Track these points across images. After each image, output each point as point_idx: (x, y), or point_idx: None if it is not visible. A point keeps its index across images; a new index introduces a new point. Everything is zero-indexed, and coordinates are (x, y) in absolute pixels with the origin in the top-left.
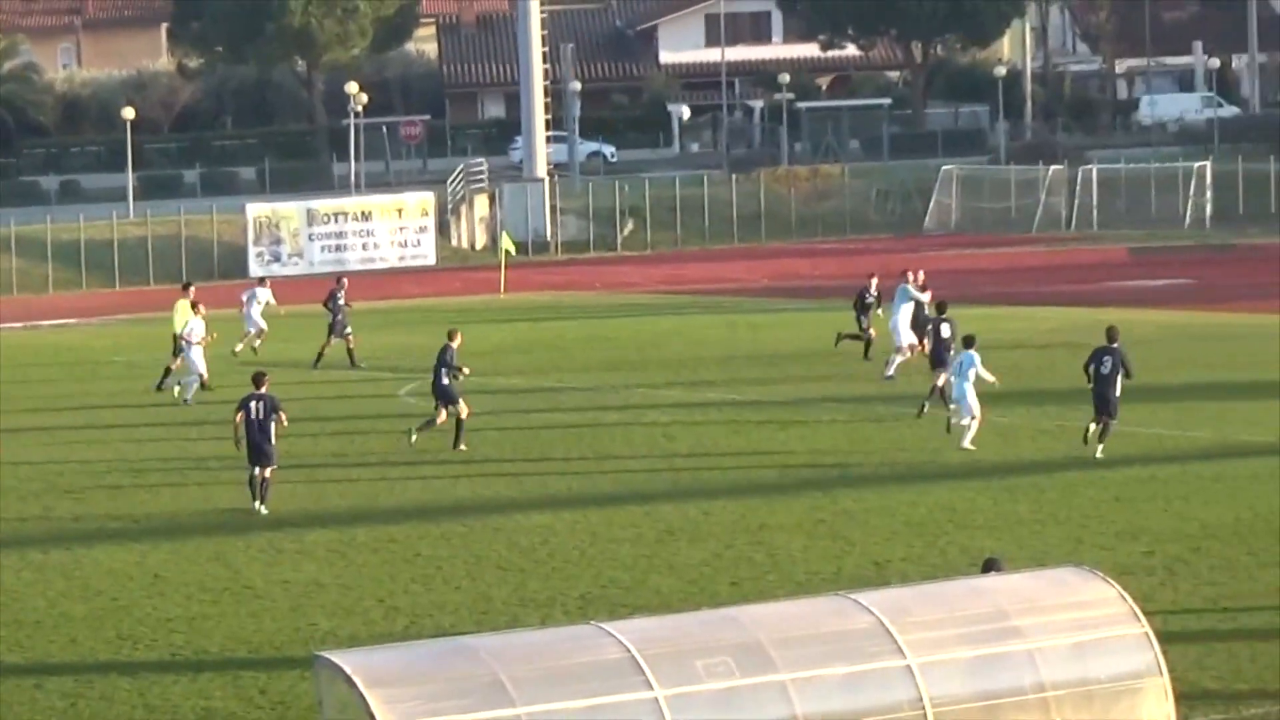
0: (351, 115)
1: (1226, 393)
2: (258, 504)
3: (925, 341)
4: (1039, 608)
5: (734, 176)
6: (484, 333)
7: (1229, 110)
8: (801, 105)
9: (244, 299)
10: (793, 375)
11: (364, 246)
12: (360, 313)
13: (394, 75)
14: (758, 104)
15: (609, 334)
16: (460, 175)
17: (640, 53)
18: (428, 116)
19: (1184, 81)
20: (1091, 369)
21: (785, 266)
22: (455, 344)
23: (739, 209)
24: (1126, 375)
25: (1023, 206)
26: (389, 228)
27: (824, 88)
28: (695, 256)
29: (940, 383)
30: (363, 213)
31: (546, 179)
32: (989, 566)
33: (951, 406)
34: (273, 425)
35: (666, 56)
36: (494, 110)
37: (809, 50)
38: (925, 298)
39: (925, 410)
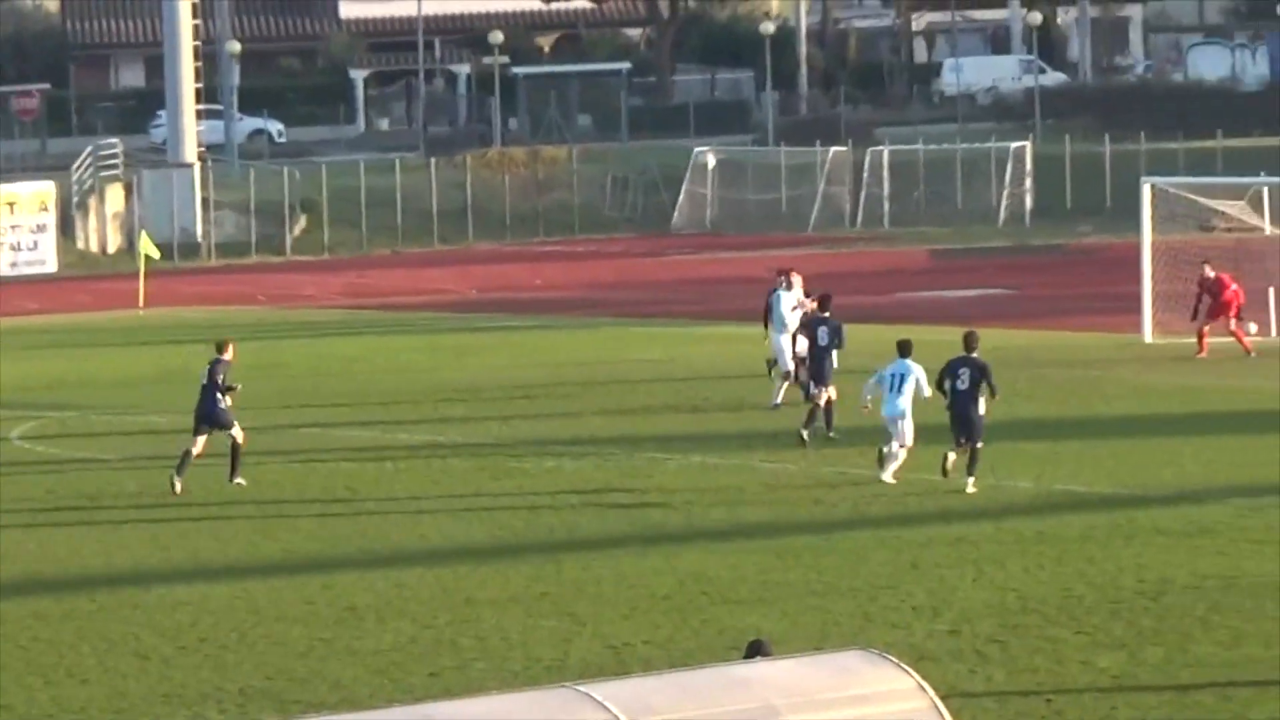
0: None
1: (1053, 432)
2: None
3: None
4: (817, 701)
5: (433, 161)
6: (118, 359)
7: (1054, 77)
8: (518, 71)
9: None
10: (510, 412)
11: None
12: None
13: (2, 34)
14: (463, 69)
15: (276, 359)
16: (88, 160)
17: (315, 6)
18: (46, 85)
19: (997, 41)
20: (947, 385)
21: (499, 274)
22: (227, 356)
23: (440, 202)
24: (991, 391)
25: (796, 198)
26: None
27: (546, 49)
28: (386, 262)
29: (823, 401)
30: None
31: (197, 165)
32: (754, 650)
33: (891, 435)
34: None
35: (347, 10)
36: (131, 78)
37: (528, 3)
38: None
39: (806, 439)
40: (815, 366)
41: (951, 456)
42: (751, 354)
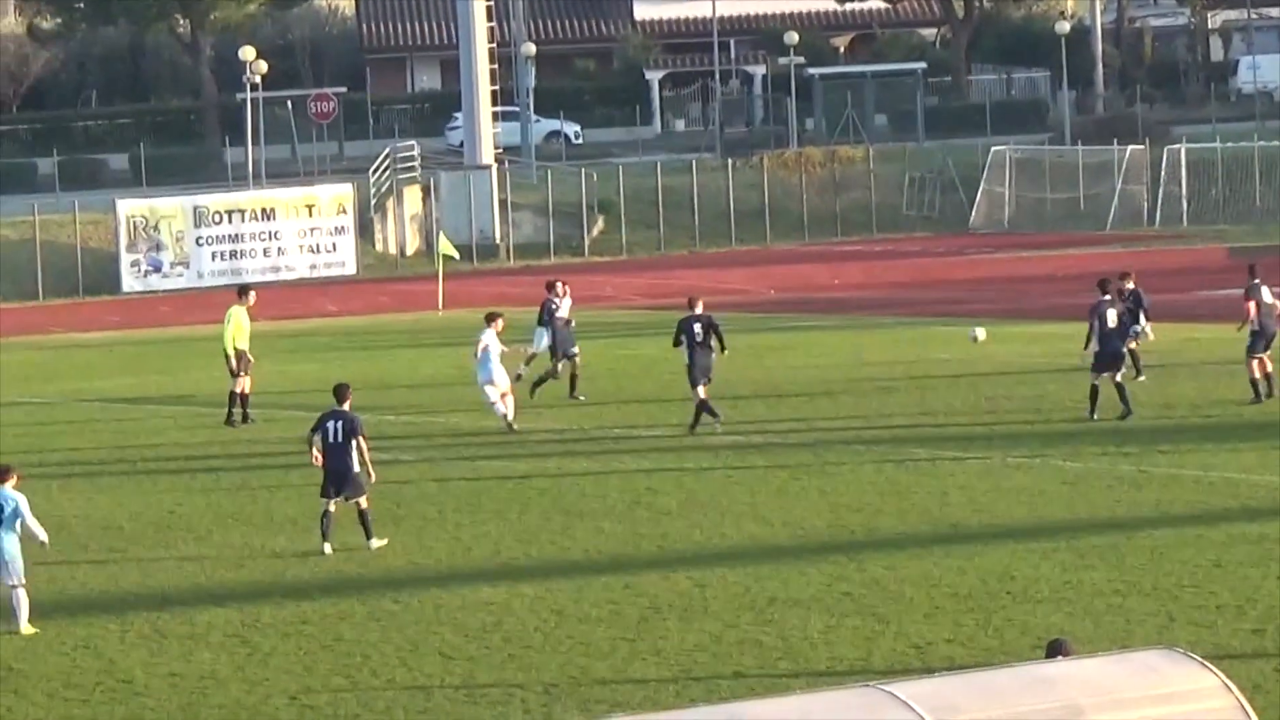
0: (248, 88)
1: None
2: (327, 546)
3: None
4: (1121, 701)
5: (730, 162)
6: (417, 360)
7: None
8: (814, 72)
9: None
10: (810, 412)
11: (266, 253)
12: (261, 335)
13: (300, 38)
14: (759, 70)
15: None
16: (386, 163)
17: (610, 7)
18: (344, 89)
19: None
20: (685, 339)
21: (797, 274)
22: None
23: (737, 203)
24: (721, 346)
25: (1094, 197)
26: (297, 229)
27: (842, 50)
28: (683, 262)
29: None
30: (264, 210)
31: (494, 166)
32: (1055, 650)
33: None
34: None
35: (642, 12)
36: (427, 81)
37: (823, 3)
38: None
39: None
40: (691, 365)
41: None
42: (1052, 352)
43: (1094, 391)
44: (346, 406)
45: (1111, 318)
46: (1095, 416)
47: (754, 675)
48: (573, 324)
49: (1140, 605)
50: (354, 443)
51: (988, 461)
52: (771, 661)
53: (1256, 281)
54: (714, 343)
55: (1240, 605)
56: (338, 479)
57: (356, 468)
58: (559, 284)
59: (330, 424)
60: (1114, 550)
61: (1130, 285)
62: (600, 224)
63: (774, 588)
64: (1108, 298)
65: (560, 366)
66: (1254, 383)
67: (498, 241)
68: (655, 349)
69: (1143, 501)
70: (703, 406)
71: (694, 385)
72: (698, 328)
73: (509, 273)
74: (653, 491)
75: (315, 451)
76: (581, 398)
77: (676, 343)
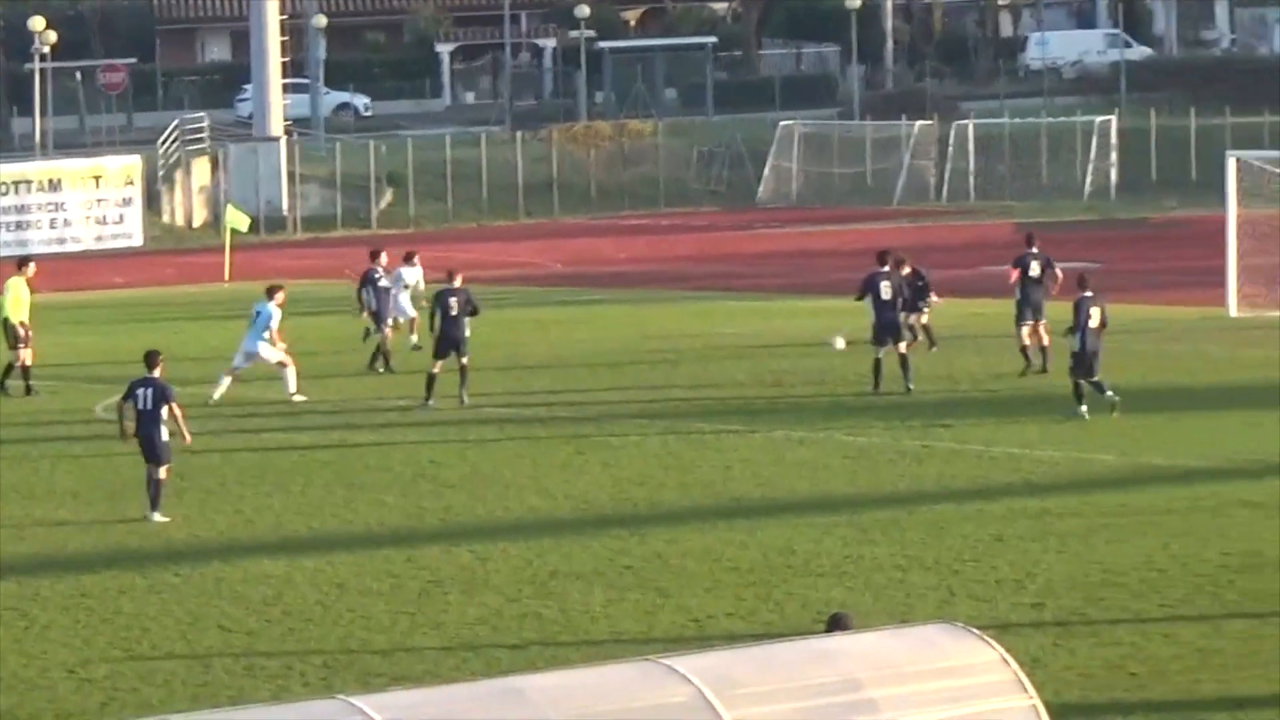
0: (36, 58)
1: (1137, 405)
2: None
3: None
4: (901, 675)
5: (519, 135)
6: (202, 332)
7: (1139, 51)
8: (604, 45)
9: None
10: (594, 385)
11: (52, 224)
12: (46, 307)
13: (90, 8)
14: (549, 44)
15: (358, 333)
16: (174, 134)
17: None
18: (134, 60)
19: (1083, 15)
20: (439, 312)
21: (584, 248)
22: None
23: (526, 176)
24: (473, 312)
25: (881, 172)
26: (84, 200)
27: (632, 23)
28: (471, 235)
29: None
30: (50, 181)
31: (283, 139)
32: (836, 624)
33: None
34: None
35: None
36: (217, 53)
37: None
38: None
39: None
40: (441, 338)
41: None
42: (834, 326)
43: (877, 365)
44: (157, 374)
45: (885, 289)
46: (879, 390)
47: (535, 648)
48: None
49: (921, 579)
50: (163, 410)
51: (771, 435)
52: (552, 634)
53: (1032, 250)
54: (467, 319)
55: (1020, 579)
56: (147, 446)
57: (166, 437)
58: (383, 254)
59: (140, 391)
60: (895, 525)
61: (907, 269)
62: (389, 196)
63: (556, 561)
64: (885, 269)
65: (376, 332)
66: (1023, 350)
67: (285, 213)
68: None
69: (924, 476)
70: (432, 380)
71: (438, 357)
72: (453, 301)
73: (296, 245)
74: (436, 464)
75: (125, 421)
76: (380, 370)
77: (432, 314)
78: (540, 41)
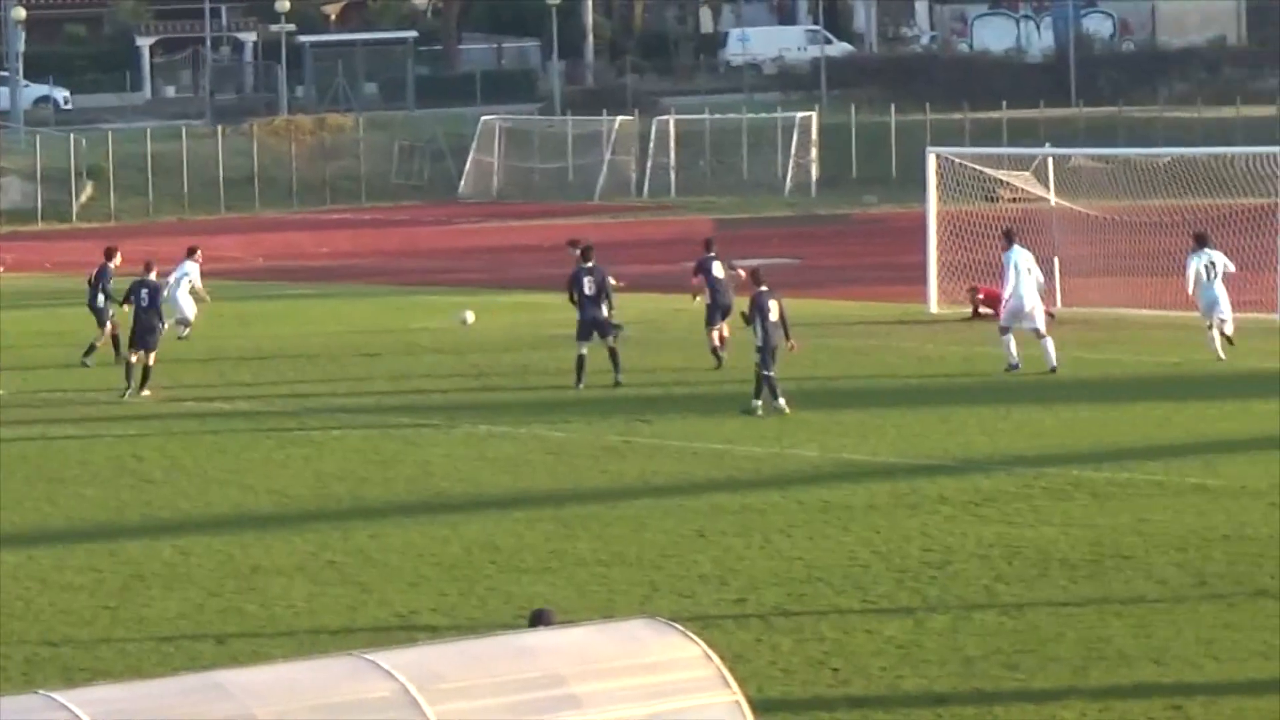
0: None
1: (838, 401)
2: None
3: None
4: (604, 670)
5: (220, 129)
6: None
7: (839, 48)
8: (305, 39)
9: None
10: (296, 380)
11: None
12: None
13: None
14: (249, 37)
15: (62, 327)
16: None
17: None
18: None
19: (784, 12)
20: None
21: (286, 242)
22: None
23: (227, 169)
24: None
25: (583, 167)
26: None
27: (333, 18)
28: (172, 229)
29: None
30: None
31: None
32: (538, 619)
33: None
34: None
35: None
36: None
37: None
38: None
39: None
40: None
41: None
42: (536, 321)
43: (580, 361)
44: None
45: (588, 285)
46: (581, 385)
47: (238, 642)
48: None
49: (624, 575)
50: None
51: (473, 430)
52: (255, 629)
53: (710, 255)
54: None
55: (722, 575)
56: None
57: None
58: (118, 253)
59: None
60: (597, 520)
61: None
62: (89, 190)
63: (258, 555)
64: (589, 265)
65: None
66: (714, 351)
67: None
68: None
69: (626, 471)
70: (130, 369)
71: (134, 348)
72: (144, 292)
73: None
74: (138, 458)
75: None
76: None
77: (125, 300)
78: (241, 35)
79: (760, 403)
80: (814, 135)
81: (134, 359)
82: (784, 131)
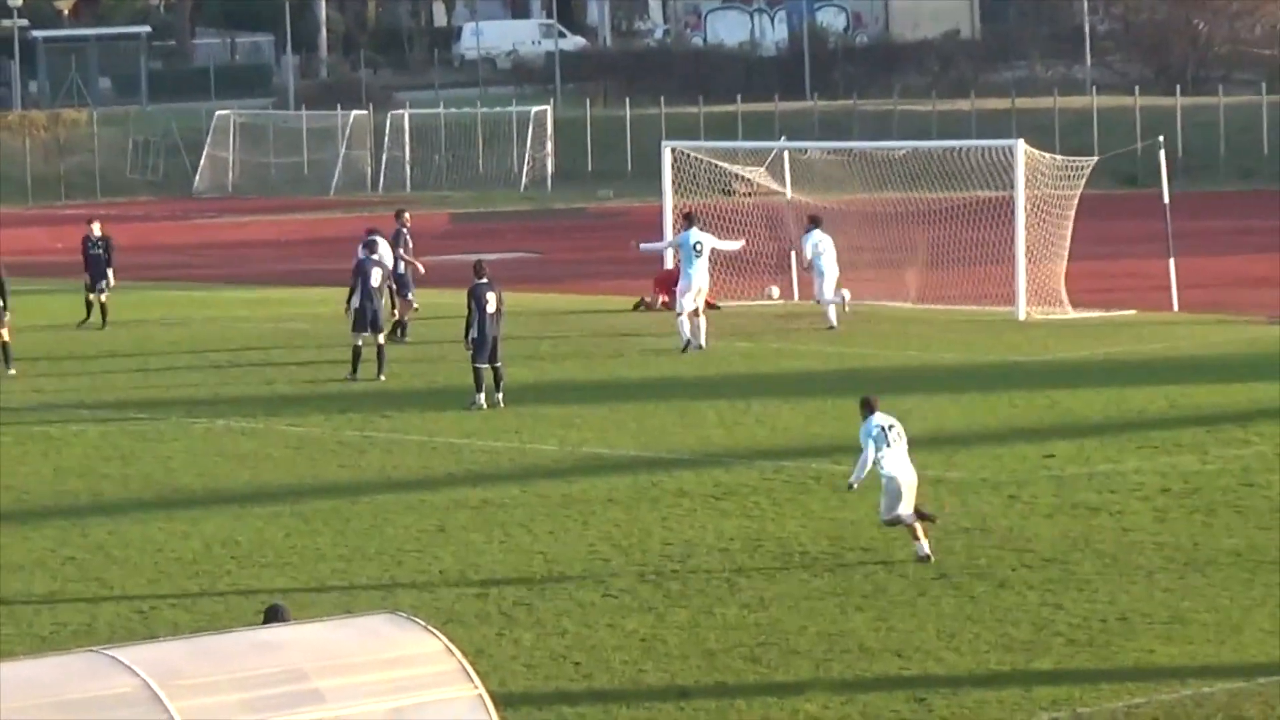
0: None
1: (576, 394)
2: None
3: None
4: (345, 665)
5: None
6: None
7: (573, 42)
8: (38, 34)
9: None
10: (33, 376)
11: None
12: None
13: None
14: None
15: None
16: None
17: None
18: None
19: (517, 6)
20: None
21: (20, 238)
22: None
23: None
24: None
25: (318, 162)
26: None
27: (66, 12)
28: None
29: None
30: None
31: None
32: (273, 615)
33: None
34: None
35: None
36: None
37: None
38: None
39: None
40: None
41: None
42: (274, 316)
43: (356, 352)
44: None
45: (374, 277)
46: (356, 377)
47: None
48: None
49: (364, 569)
50: None
51: (212, 425)
52: None
53: (374, 256)
54: None
55: (463, 570)
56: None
57: None
58: None
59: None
60: (338, 514)
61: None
62: None
63: None
64: (375, 256)
65: None
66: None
67: None
68: None
69: (366, 466)
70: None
71: None
72: None
73: None
74: None
75: None
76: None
77: None
78: None
79: (482, 396)
80: (549, 129)
81: None
82: (519, 125)
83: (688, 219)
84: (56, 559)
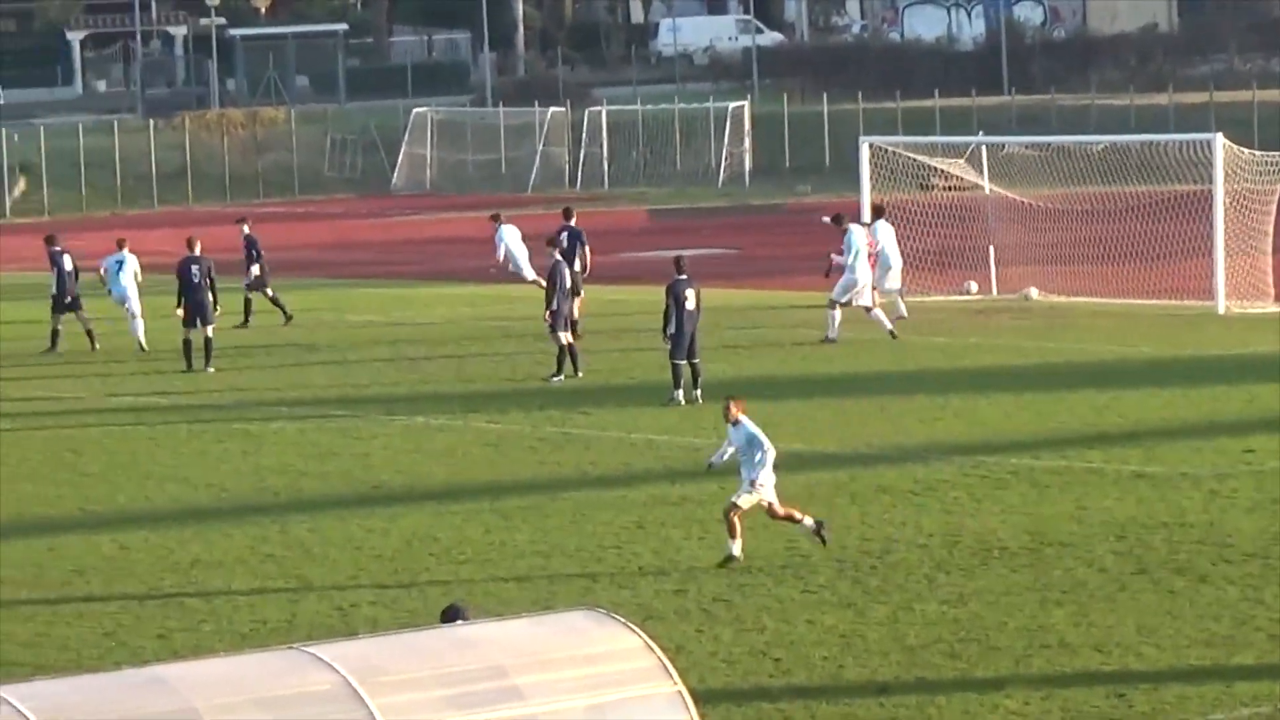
0: None
1: (775, 391)
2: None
3: None
4: (545, 662)
5: (152, 123)
6: None
7: (770, 38)
8: (235, 33)
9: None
10: (232, 373)
11: None
12: None
13: None
14: (180, 31)
15: None
16: None
17: None
18: None
19: (713, 3)
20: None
21: (219, 236)
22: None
23: (159, 164)
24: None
25: (515, 159)
26: None
27: (263, 10)
28: (106, 224)
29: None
30: None
31: None
32: (451, 615)
33: None
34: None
35: None
36: None
37: None
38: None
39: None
40: None
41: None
42: (473, 315)
43: (563, 352)
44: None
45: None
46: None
47: (179, 636)
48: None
49: (563, 566)
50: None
51: (410, 422)
52: (195, 624)
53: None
54: None
55: (662, 566)
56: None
57: None
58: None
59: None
60: (537, 511)
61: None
62: (22, 185)
63: (197, 550)
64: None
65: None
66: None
67: None
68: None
69: (564, 462)
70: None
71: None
72: (195, 269)
73: None
74: (75, 453)
75: None
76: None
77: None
78: (171, 29)
79: (680, 392)
80: (746, 125)
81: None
82: (716, 121)
83: (877, 211)
84: (257, 556)
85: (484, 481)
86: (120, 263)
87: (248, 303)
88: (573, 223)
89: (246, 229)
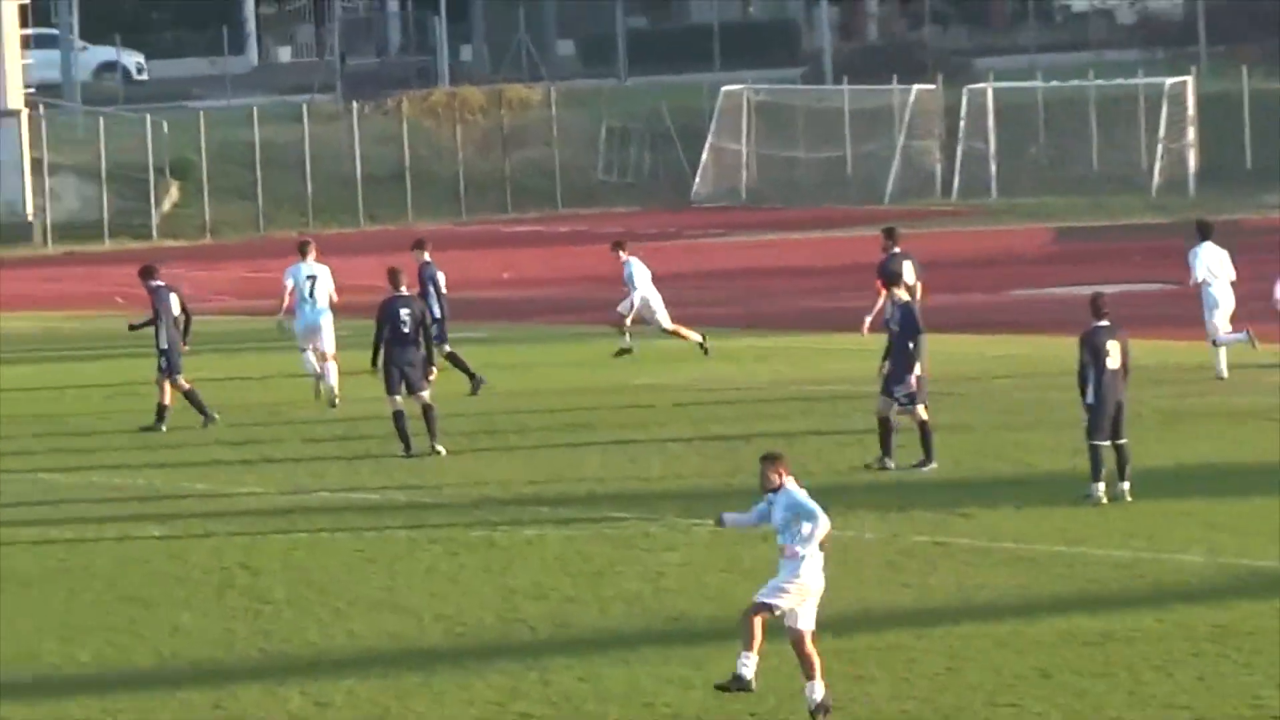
0: None
1: (1232, 485)
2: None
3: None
4: None
5: (356, 107)
6: None
7: None
8: None
9: None
10: (473, 454)
11: None
12: None
13: None
14: None
15: (134, 378)
16: None
17: None
18: None
19: None
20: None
21: (451, 264)
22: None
23: (367, 164)
24: None
25: (866, 156)
26: None
27: None
28: (291, 248)
29: None
30: None
31: (24, 113)
32: None
33: None
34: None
35: None
36: None
37: None
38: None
39: None
40: None
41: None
42: (803, 375)
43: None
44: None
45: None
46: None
47: None
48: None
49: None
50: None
51: (720, 529)
52: None
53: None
54: None
55: None
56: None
57: None
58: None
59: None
60: (898, 652)
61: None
62: (174, 194)
63: (423, 707)
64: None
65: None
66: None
67: (29, 218)
68: (237, 366)
69: (937, 585)
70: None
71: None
72: (404, 313)
73: (46, 262)
74: (251, 570)
75: None
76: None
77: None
78: None
79: (1100, 486)
80: (1190, 110)
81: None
82: (1148, 105)
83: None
84: (507, 716)
85: (823, 610)
86: (313, 279)
87: (458, 360)
88: (897, 249)
89: (426, 256)
